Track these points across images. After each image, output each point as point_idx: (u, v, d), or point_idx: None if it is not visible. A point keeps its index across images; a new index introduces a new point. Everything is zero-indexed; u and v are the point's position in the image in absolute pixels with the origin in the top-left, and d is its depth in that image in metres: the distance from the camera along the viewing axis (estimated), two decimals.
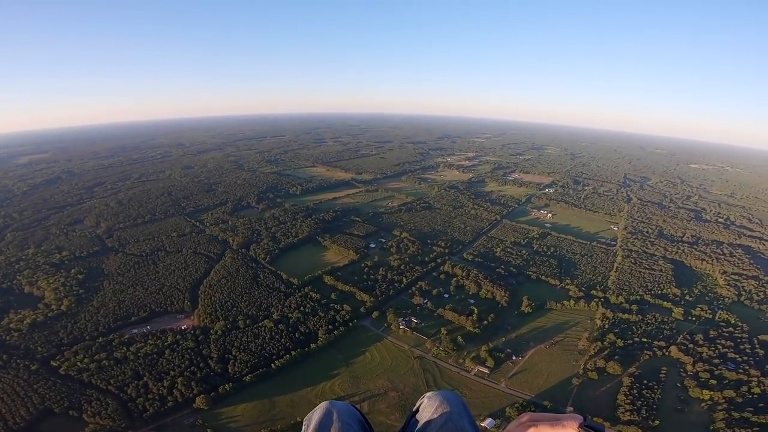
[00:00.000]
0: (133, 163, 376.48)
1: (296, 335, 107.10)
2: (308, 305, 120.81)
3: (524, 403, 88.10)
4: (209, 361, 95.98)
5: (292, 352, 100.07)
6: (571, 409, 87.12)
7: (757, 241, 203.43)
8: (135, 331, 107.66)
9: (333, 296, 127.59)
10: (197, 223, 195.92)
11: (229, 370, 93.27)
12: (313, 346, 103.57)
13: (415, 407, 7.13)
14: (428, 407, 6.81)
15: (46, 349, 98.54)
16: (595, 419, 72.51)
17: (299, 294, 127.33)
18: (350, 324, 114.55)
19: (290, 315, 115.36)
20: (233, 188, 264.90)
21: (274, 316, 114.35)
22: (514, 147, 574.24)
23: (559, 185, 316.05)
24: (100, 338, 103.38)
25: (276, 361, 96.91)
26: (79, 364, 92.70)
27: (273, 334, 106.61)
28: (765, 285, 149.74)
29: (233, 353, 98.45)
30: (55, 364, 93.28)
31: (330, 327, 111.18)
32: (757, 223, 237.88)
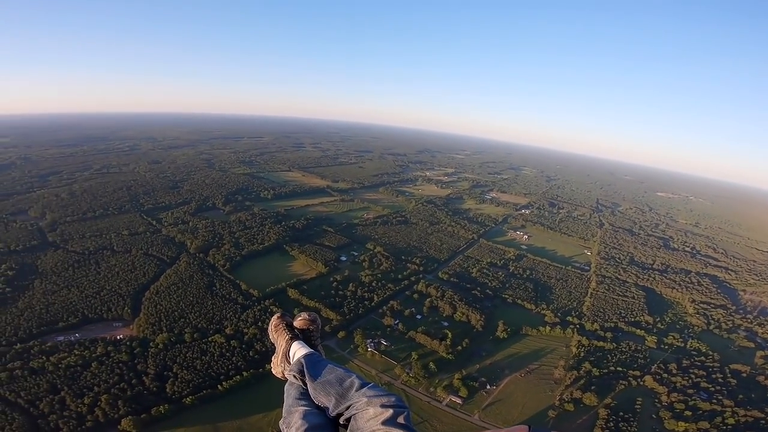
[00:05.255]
0: (98, 153, 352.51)
1: (250, 353, 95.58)
2: (267, 320, 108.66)
3: None
4: (144, 377, 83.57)
5: (244, 373, 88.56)
6: None
7: (723, 270, 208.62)
8: (61, 338, 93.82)
9: (296, 312, 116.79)
10: (154, 222, 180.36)
11: (167, 390, 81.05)
12: (268, 366, 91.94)
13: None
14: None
15: None
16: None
17: (258, 307, 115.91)
18: None
19: (245, 330, 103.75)
20: (200, 187, 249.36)
21: (227, 331, 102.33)
22: (492, 166, 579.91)
23: (535, 207, 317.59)
24: (18, 345, 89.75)
25: (224, 382, 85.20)
26: None
27: (223, 351, 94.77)
28: (733, 314, 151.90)
29: (174, 370, 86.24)
30: None
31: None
32: (721, 253, 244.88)
